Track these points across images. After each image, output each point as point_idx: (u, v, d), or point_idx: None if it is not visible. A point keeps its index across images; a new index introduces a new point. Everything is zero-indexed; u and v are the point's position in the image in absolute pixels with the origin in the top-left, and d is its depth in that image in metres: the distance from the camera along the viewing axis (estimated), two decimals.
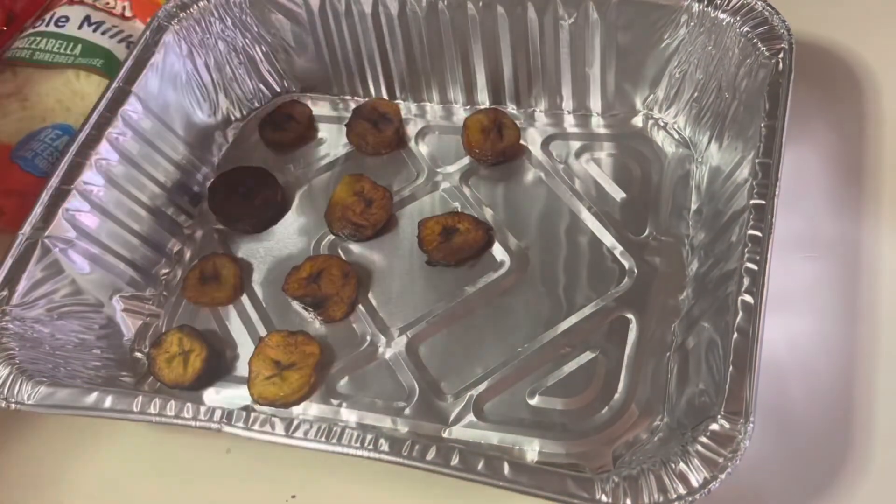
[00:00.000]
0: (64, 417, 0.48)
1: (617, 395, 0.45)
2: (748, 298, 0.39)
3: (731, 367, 0.38)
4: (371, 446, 0.38)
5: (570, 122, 0.58)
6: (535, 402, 0.46)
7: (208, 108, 0.61)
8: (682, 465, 0.36)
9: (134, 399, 0.41)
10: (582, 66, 0.56)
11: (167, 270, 0.55)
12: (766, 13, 0.49)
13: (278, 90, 0.64)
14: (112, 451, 0.49)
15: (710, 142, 0.53)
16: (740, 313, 0.39)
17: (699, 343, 0.43)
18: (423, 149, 0.59)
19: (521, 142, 0.57)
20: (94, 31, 0.64)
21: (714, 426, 0.36)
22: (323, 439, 0.39)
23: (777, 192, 0.42)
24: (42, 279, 0.48)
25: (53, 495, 0.48)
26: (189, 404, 0.41)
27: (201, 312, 0.53)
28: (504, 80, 0.58)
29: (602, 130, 0.57)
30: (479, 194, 0.56)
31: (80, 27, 0.64)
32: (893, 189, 0.52)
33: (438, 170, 0.57)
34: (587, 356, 0.47)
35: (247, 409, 0.43)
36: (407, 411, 0.47)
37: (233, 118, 0.63)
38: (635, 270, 0.50)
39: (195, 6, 0.58)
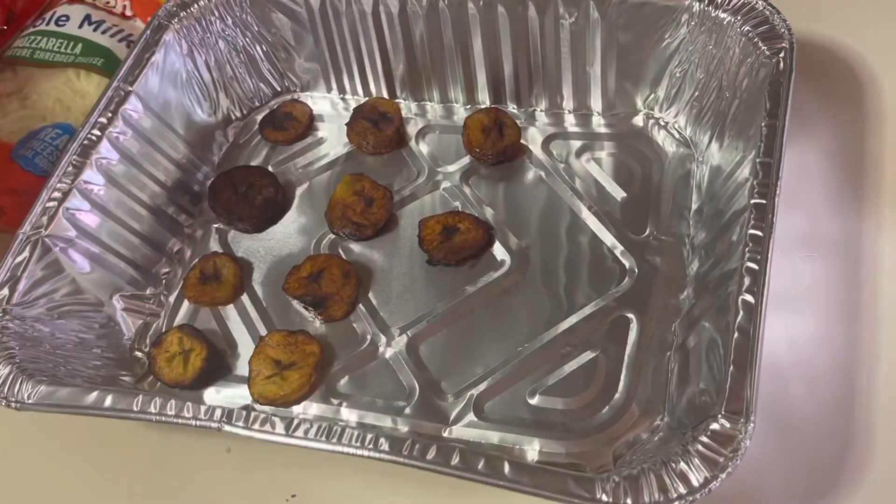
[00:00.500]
0: (64, 417, 0.48)
1: (617, 395, 0.45)
2: (749, 298, 0.39)
3: (731, 367, 0.37)
4: (371, 446, 0.38)
5: (570, 122, 0.58)
6: (535, 401, 0.46)
7: (209, 107, 0.61)
8: (682, 465, 0.36)
9: (134, 398, 0.41)
10: (582, 66, 0.56)
11: (167, 270, 0.55)
12: (767, 12, 0.49)
13: (279, 89, 0.64)
14: (112, 451, 0.49)
15: (710, 141, 0.53)
16: (741, 313, 0.39)
17: (700, 342, 0.43)
18: (423, 148, 0.59)
19: (522, 141, 0.57)
20: (95, 30, 0.64)
21: (715, 426, 0.36)
22: (323, 439, 0.39)
23: (778, 192, 0.42)
24: (42, 278, 0.48)
25: (53, 495, 0.48)
26: (189, 404, 0.41)
27: (201, 312, 0.53)
28: (504, 80, 0.58)
29: (603, 130, 0.57)
30: (479, 194, 0.56)
31: (80, 26, 0.64)
32: (894, 189, 0.52)
33: (439, 169, 0.57)
34: (588, 356, 0.47)
35: (247, 408, 0.42)
36: (407, 411, 0.47)
37: (233, 117, 0.63)
38: (636, 270, 0.50)
39: (196, 5, 0.58)
